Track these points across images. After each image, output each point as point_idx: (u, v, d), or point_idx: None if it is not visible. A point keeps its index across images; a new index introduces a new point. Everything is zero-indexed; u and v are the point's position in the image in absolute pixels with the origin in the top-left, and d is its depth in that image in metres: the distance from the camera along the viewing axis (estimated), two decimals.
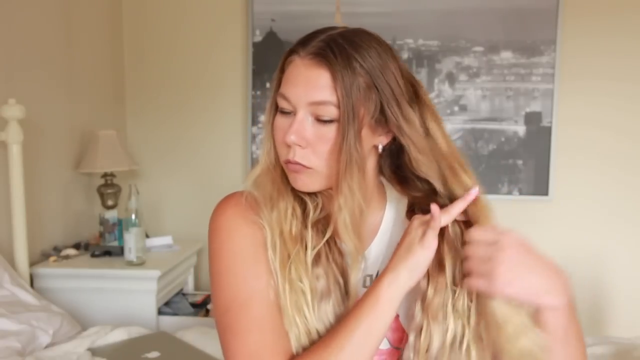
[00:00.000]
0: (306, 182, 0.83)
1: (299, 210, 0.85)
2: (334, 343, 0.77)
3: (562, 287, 0.74)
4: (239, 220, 0.84)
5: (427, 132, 0.83)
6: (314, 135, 0.80)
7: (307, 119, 0.80)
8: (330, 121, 0.79)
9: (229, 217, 0.84)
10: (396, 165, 0.89)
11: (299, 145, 0.80)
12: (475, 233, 0.77)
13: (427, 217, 0.80)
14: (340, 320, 0.80)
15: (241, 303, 0.80)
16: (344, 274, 0.83)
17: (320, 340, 0.79)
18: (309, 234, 0.83)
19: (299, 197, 0.86)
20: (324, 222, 0.85)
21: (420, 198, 0.86)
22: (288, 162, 0.82)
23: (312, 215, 0.84)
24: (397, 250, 0.81)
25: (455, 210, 0.80)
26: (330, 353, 0.76)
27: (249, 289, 0.80)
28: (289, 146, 0.81)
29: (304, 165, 0.81)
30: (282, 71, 0.83)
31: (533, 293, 0.73)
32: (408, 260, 0.78)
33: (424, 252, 0.78)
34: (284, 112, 0.82)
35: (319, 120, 0.79)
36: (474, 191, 0.80)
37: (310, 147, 0.80)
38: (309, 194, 0.86)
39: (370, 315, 0.77)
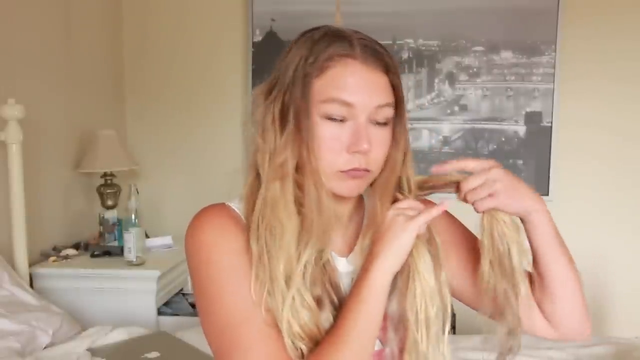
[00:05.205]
0: (361, 187, 0.83)
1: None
2: (338, 339, 0.76)
3: (538, 197, 0.85)
4: (220, 230, 0.80)
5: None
6: (375, 139, 0.79)
7: (368, 124, 0.79)
8: (385, 124, 0.81)
9: (209, 229, 0.80)
10: None
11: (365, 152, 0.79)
12: (472, 164, 0.82)
13: (406, 207, 0.81)
14: (338, 317, 0.79)
15: (239, 320, 0.77)
16: (335, 288, 0.82)
17: (323, 339, 0.78)
18: (300, 248, 0.80)
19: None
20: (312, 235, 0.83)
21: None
22: (355, 169, 0.79)
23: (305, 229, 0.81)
24: (380, 237, 0.80)
25: (431, 215, 0.80)
26: (337, 349, 0.76)
27: (244, 304, 0.78)
28: (351, 154, 0.78)
29: (367, 170, 0.81)
30: (319, 73, 0.78)
31: (523, 205, 0.83)
32: (393, 245, 0.78)
33: (407, 235, 0.78)
34: (335, 120, 0.78)
35: (377, 123, 0.80)
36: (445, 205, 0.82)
37: (370, 152, 0.79)
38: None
39: (367, 305, 0.77)
